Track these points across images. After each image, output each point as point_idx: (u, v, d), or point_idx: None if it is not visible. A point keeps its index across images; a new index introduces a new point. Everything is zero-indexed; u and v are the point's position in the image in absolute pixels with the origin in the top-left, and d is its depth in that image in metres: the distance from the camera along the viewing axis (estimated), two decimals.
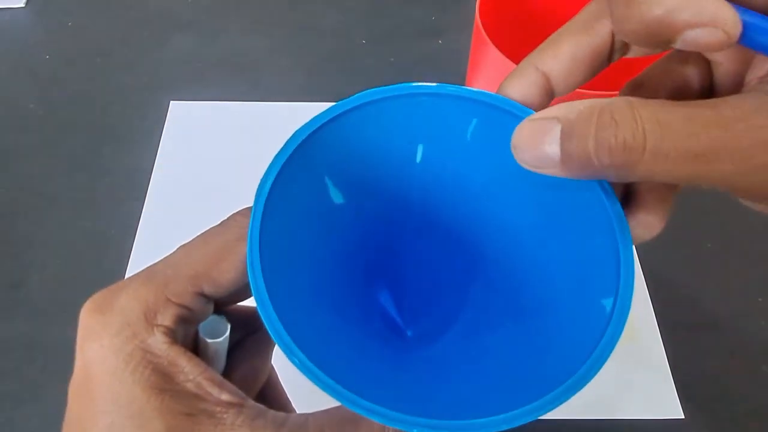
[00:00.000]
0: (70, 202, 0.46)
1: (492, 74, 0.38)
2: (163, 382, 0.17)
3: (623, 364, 0.39)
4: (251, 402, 0.18)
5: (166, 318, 0.18)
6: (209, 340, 0.20)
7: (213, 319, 0.20)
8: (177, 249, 0.20)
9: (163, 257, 0.21)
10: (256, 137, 0.50)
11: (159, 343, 0.18)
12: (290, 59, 0.56)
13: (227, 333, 0.20)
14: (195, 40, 0.58)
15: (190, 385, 0.18)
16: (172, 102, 0.52)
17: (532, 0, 0.44)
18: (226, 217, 0.21)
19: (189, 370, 0.18)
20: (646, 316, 0.41)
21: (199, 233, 0.21)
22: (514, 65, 0.35)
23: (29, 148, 0.49)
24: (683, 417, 0.37)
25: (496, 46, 0.36)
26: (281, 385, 0.27)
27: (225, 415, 0.17)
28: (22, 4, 0.59)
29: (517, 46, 0.41)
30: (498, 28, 0.38)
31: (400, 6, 0.61)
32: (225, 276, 0.19)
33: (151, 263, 0.20)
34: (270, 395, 0.26)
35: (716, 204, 0.48)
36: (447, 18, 0.60)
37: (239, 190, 0.50)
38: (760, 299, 0.43)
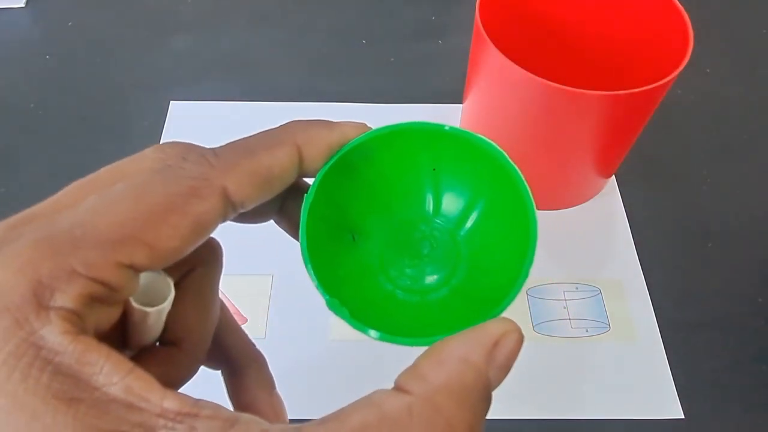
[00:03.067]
0: None
1: (492, 74, 0.38)
2: (74, 389, 0.12)
3: (623, 364, 0.39)
4: (208, 408, 0.13)
5: (68, 297, 0.13)
6: (148, 310, 0.16)
7: (150, 279, 0.16)
8: (81, 196, 0.15)
9: (56, 198, 0.16)
10: None
11: (56, 334, 0.12)
12: (290, 59, 0.56)
13: (171, 296, 0.16)
14: (195, 40, 0.58)
15: (114, 390, 0.12)
16: (172, 102, 0.52)
17: (532, 0, 0.44)
18: (161, 161, 0.16)
19: (110, 370, 0.13)
20: (646, 316, 0.41)
21: (108, 169, 0.16)
22: (514, 65, 0.35)
23: (29, 148, 0.49)
24: (683, 417, 0.37)
25: (496, 46, 0.36)
26: (238, 325, 0.23)
27: None
28: (22, 4, 0.59)
29: (517, 46, 0.41)
30: (498, 28, 0.38)
31: (400, 6, 0.61)
32: (166, 243, 0.14)
33: (34, 207, 0.15)
34: (226, 342, 0.22)
35: (716, 204, 0.48)
36: (447, 18, 0.60)
37: None
38: (760, 299, 0.43)
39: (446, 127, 0.20)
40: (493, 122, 0.42)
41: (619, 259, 0.44)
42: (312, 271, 0.18)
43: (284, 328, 0.40)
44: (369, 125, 0.20)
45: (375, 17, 0.60)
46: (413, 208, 0.22)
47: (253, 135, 0.18)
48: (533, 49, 0.45)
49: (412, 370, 0.15)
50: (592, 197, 0.47)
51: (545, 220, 0.46)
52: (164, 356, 0.18)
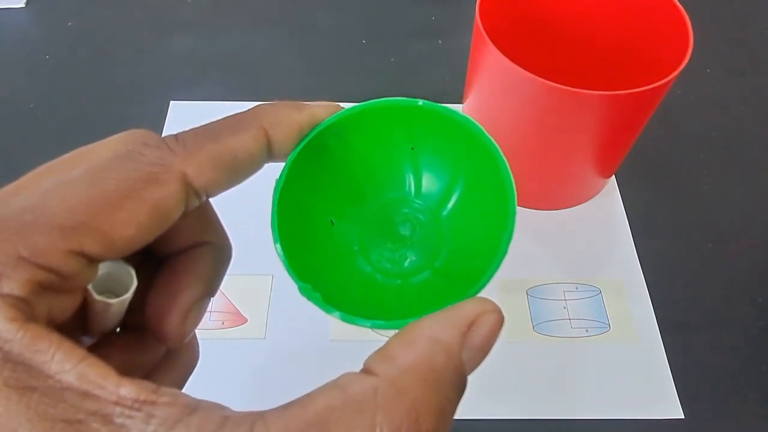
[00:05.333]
0: None
1: (492, 74, 0.38)
2: (26, 377, 0.12)
3: (623, 364, 0.39)
4: (167, 395, 0.12)
5: (15, 284, 0.12)
6: (109, 301, 0.15)
7: (112, 267, 0.15)
8: (40, 179, 0.15)
9: (17, 183, 0.15)
10: None
11: (4, 320, 0.12)
12: (290, 59, 0.56)
13: (133, 287, 0.16)
14: (195, 40, 0.58)
15: (68, 378, 0.12)
16: (172, 102, 0.52)
17: (532, 0, 0.44)
18: (123, 147, 0.16)
19: (62, 357, 0.12)
20: (646, 316, 0.41)
21: (71, 154, 0.16)
22: (514, 65, 0.35)
23: (29, 148, 0.49)
24: (683, 417, 0.37)
25: (496, 46, 0.36)
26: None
27: (129, 420, 0.12)
28: (22, 4, 0.59)
29: (517, 46, 0.41)
30: (498, 28, 0.38)
31: (400, 6, 0.61)
32: (121, 231, 0.14)
33: None
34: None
35: (716, 204, 0.48)
36: (447, 18, 0.60)
37: (239, 189, 0.51)
38: (760, 299, 0.43)
39: (420, 102, 0.19)
40: (493, 122, 0.42)
41: (619, 259, 0.44)
42: (284, 258, 0.18)
43: (284, 328, 0.40)
44: (341, 105, 0.19)
45: (375, 17, 0.60)
46: (392, 189, 0.22)
47: (219, 119, 0.17)
48: (533, 49, 0.45)
49: (381, 351, 0.15)
50: (592, 197, 0.47)
51: (545, 220, 0.46)
52: (128, 342, 0.18)
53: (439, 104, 0.19)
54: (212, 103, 0.52)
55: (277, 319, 0.40)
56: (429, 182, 0.22)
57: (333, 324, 0.40)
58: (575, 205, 0.47)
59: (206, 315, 0.40)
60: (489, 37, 0.36)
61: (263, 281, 0.42)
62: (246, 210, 0.44)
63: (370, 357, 0.15)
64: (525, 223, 0.45)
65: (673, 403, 0.38)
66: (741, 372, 0.40)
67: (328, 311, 0.17)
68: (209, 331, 0.39)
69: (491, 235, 0.18)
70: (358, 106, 0.19)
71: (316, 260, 0.20)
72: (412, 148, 0.21)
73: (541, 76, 0.34)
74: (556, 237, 0.45)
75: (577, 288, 0.42)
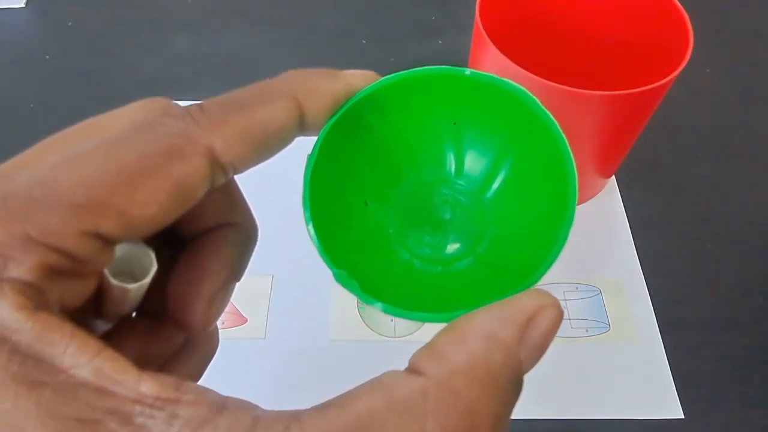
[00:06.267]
0: None
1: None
2: (36, 372, 0.10)
3: (623, 364, 0.39)
4: (192, 392, 0.11)
5: (24, 268, 0.11)
6: (128, 286, 0.14)
7: (129, 249, 0.14)
8: (49, 152, 0.13)
9: (22, 155, 0.14)
10: None
11: (10, 309, 0.11)
12: (290, 59, 0.56)
13: (153, 270, 0.14)
14: (195, 40, 0.58)
15: (83, 373, 0.11)
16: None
17: (532, 0, 0.44)
18: (141, 117, 0.14)
19: (76, 350, 0.11)
20: (646, 316, 0.41)
21: (83, 124, 0.14)
22: (514, 65, 0.35)
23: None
24: (683, 417, 0.37)
25: (496, 46, 0.36)
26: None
27: (150, 420, 0.11)
28: (22, 4, 0.59)
29: (517, 46, 0.41)
30: (498, 28, 0.38)
31: (400, 6, 0.61)
32: (141, 210, 0.12)
33: None
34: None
35: (716, 204, 0.48)
36: (447, 18, 0.60)
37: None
38: (760, 299, 0.43)
39: (467, 72, 0.17)
40: None
41: (619, 259, 0.44)
42: (318, 242, 0.16)
43: (284, 328, 0.40)
44: (378, 75, 0.18)
45: (375, 17, 0.60)
46: (432, 168, 0.20)
47: (246, 87, 0.15)
48: (533, 49, 0.45)
49: (429, 348, 0.13)
50: (592, 197, 0.47)
51: None
52: (145, 329, 0.16)
53: (488, 74, 0.17)
54: None
55: (277, 319, 0.40)
56: (472, 161, 0.20)
57: (333, 324, 0.40)
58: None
59: None
60: (489, 37, 0.36)
61: (263, 281, 0.42)
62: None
63: (416, 354, 0.13)
64: None
65: (673, 403, 0.38)
66: (741, 372, 0.40)
67: (367, 301, 0.16)
68: None
69: (544, 222, 0.17)
70: (397, 75, 0.17)
71: (349, 245, 0.18)
72: (455, 123, 0.19)
73: (541, 76, 0.34)
74: None
75: (577, 288, 0.42)
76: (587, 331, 0.40)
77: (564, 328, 0.40)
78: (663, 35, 0.40)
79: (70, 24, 0.58)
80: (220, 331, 0.40)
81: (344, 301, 0.41)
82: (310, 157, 0.17)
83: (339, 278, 0.16)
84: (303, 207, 0.16)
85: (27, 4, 0.60)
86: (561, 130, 0.17)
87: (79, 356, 0.11)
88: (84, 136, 0.14)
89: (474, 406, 0.12)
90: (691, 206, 0.48)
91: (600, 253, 0.44)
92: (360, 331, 0.40)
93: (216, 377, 0.37)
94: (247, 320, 0.40)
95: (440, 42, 0.58)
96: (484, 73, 0.17)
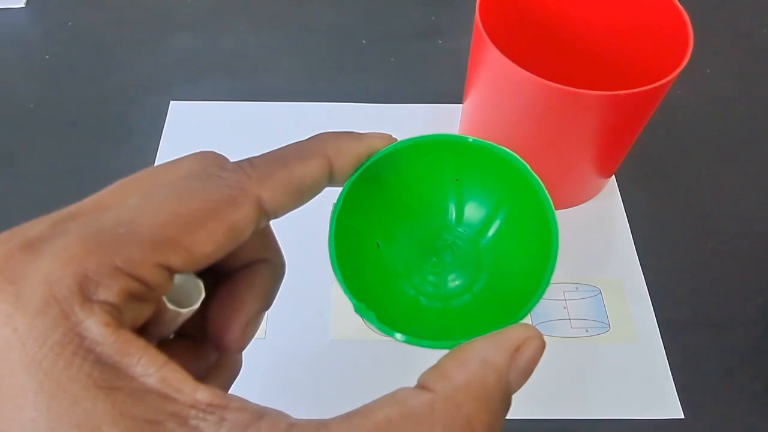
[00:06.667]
0: (70, 202, 0.46)
1: (492, 74, 0.38)
2: (113, 378, 0.13)
3: (623, 364, 0.39)
4: (236, 401, 0.13)
5: (111, 292, 0.13)
6: (182, 311, 0.16)
7: (182, 279, 0.16)
8: (124, 196, 0.16)
9: (99, 197, 0.16)
10: (256, 137, 0.50)
11: (99, 325, 0.13)
12: (290, 59, 0.56)
13: (202, 298, 0.17)
14: (195, 40, 0.58)
15: (151, 381, 0.13)
16: (172, 102, 0.52)
17: (532, 0, 0.44)
18: (199, 168, 0.17)
19: (147, 362, 0.13)
20: (646, 316, 0.41)
21: (145, 173, 0.17)
22: (514, 65, 0.35)
23: (29, 148, 0.49)
24: (683, 417, 0.37)
25: (496, 46, 0.36)
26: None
27: (203, 423, 0.13)
28: (22, 4, 0.59)
29: (517, 46, 0.41)
30: (498, 28, 0.38)
31: (400, 6, 0.61)
32: (201, 248, 0.15)
33: (79, 203, 0.16)
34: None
35: (716, 204, 0.48)
36: (447, 18, 0.60)
37: None
38: (760, 299, 0.43)
39: (470, 140, 0.21)
40: (493, 122, 0.42)
41: (619, 259, 0.44)
42: (341, 278, 0.19)
43: (284, 328, 0.40)
44: (394, 137, 0.21)
45: (375, 17, 0.60)
46: (436, 216, 0.23)
47: (287, 146, 0.18)
48: (533, 49, 0.45)
49: (436, 369, 0.16)
50: (592, 197, 0.47)
51: None
52: (184, 349, 0.19)
53: (487, 141, 0.21)
54: (212, 103, 0.52)
55: (277, 319, 0.40)
56: (471, 212, 0.23)
57: (333, 324, 0.40)
58: (575, 205, 0.47)
59: None
60: (489, 37, 0.36)
61: None
62: None
63: (424, 374, 0.16)
64: None
65: (673, 403, 0.38)
66: (741, 372, 0.40)
67: (386, 332, 0.19)
68: None
69: (531, 265, 0.20)
70: (411, 139, 0.21)
71: (365, 282, 0.21)
72: (457, 180, 0.23)
73: (541, 76, 0.34)
74: None
75: (577, 288, 0.42)
76: (587, 331, 0.40)
77: (564, 328, 0.40)
78: (663, 35, 0.40)
79: (70, 24, 0.58)
80: None
81: (344, 301, 0.41)
82: (335, 206, 0.20)
83: (358, 309, 0.19)
84: (329, 249, 0.19)
85: (27, 4, 0.60)
86: (545, 190, 0.20)
87: (149, 367, 0.13)
88: (151, 184, 0.17)
89: (473, 417, 0.14)
90: (691, 206, 0.48)
91: (600, 253, 0.44)
92: (360, 331, 0.40)
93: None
94: None
95: (440, 42, 0.58)
96: (484, 141, 0.21)
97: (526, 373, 0.16)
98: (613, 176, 0.49)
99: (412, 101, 0.53)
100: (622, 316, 0.41)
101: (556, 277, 0.44)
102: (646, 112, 0.39)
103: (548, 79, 0.34)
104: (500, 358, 0.16)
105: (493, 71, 0.38)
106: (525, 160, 0.21)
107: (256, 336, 0.42)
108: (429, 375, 0.15)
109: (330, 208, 0.20)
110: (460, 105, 0.49)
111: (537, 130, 0.39)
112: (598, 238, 0.45)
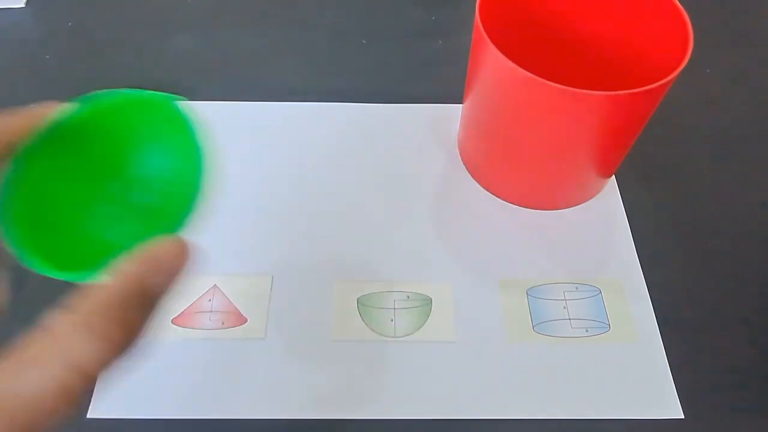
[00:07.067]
0: None
1: (492, 74, 0.38)
2: None
3: (623, 364, 0.39)
4: None
5: None
6: None
7: None
8: None
9: None
10: (255, 137, 0.50)
11: None
12: (290, 59, 0.56)
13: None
14: (195, 40, 0.58)
15: None
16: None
17: (532, 0, 0.44)
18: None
19: None
20: (646, 316, 0.41)
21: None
22: (514, 65, 0.35)
23: None
24: (683, 417, 0.37)
25: (496, 46, 0.36)
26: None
27: None
28: (22, 4, 0.59)
29: (517, 46, 0.41)
30: (498, 28, 0.38)
31: (400, 6, 0.61)
32: None
33: None
34: None
35: (716, 204, 0.48)
36: (447, 18, 0.60)
37: (239, 190, 0.51)
38: (760, 299, 0.43)
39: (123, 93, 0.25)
40: (492, 122, 0.42)
41: (619, 259, 0.44)
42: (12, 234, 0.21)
43: (284, 328, 0.40)
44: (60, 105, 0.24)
45: (375, 17, 0.60)
46: (121, 172, 0.26)
47: None
48: (533, 49, 0.45)
49: (82, 290, 0.18)
50: (592, 197, 0.47)
51: (545, 220, 0.46)
52: None
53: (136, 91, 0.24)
54: (212, 103, 0.52)
55: (277, 319, 0.40)
56: (144, 163, 0.27)
57: (334, 324, 0.40)
58: (575, 205, 0.47)
59: (206, 315, 0.40)
60: (489, 37, 0.36)
61: (263, 281, 0.42)
62: (248, 212, 0.44)
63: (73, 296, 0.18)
64: (525, 223, 0.45)
65: (673, 403, 0.38)
66: (741, 372, 0.40)
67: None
68: (209, 330, 0.39)
69: (189, 187, 0.23)
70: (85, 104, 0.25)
71: (53, 228, 0.23)
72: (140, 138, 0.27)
73: (540, 76, 0.34)
74: (556, 237, 0.45)
75: (577, 288, 0.42)
76: (587, 331, 0.40)
77: (564, 328, 0.40)
78: (663, 35, 0.40)
79: (70, 24, 0.58)
80: (220, 331, 0.40)
81: (344, 301, 0.41)
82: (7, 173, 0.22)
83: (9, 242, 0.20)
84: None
85: (27, 4, 0.60)
86: (186, 114, 0.24)
87: None
88: None
89: (126, 321, 0.18)
90: (691, 206, 0.48)
91: (600, 253, 0.45)
92: (360, 331, 0.40)
93: (216, 377, 0.37)
94: (247, 320, 0.40)
95: (440, 42, 0.58)
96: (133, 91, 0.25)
97: (165, 273, 0.19)
98: (613, 176, 0.49)
99: (412, 101, 0.53)
100: (622, 316, 0.41)
101: (556, 277, 0.44)
102: (646, 112, 0.39)
103: (548, 79, 0.34)
104: (130, 266, 0.18)
105: (493, 71, 0.38)
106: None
107: (255, 336, 0.43)
108: (75, 297, 0.18)
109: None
110: (460, 105, 0.49)
111: (537, 130, 0.39)
112: (598, 238, 0.45)
